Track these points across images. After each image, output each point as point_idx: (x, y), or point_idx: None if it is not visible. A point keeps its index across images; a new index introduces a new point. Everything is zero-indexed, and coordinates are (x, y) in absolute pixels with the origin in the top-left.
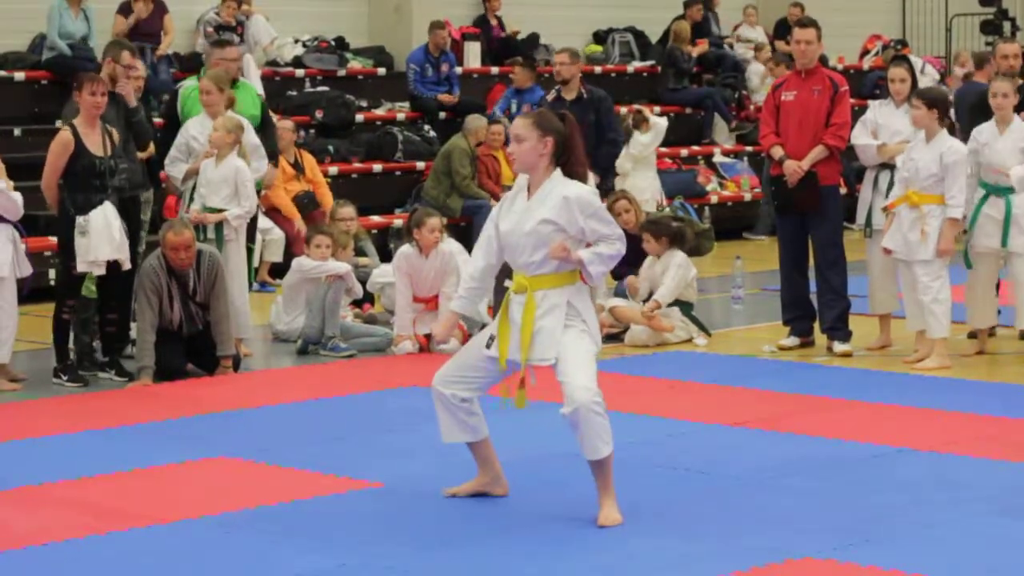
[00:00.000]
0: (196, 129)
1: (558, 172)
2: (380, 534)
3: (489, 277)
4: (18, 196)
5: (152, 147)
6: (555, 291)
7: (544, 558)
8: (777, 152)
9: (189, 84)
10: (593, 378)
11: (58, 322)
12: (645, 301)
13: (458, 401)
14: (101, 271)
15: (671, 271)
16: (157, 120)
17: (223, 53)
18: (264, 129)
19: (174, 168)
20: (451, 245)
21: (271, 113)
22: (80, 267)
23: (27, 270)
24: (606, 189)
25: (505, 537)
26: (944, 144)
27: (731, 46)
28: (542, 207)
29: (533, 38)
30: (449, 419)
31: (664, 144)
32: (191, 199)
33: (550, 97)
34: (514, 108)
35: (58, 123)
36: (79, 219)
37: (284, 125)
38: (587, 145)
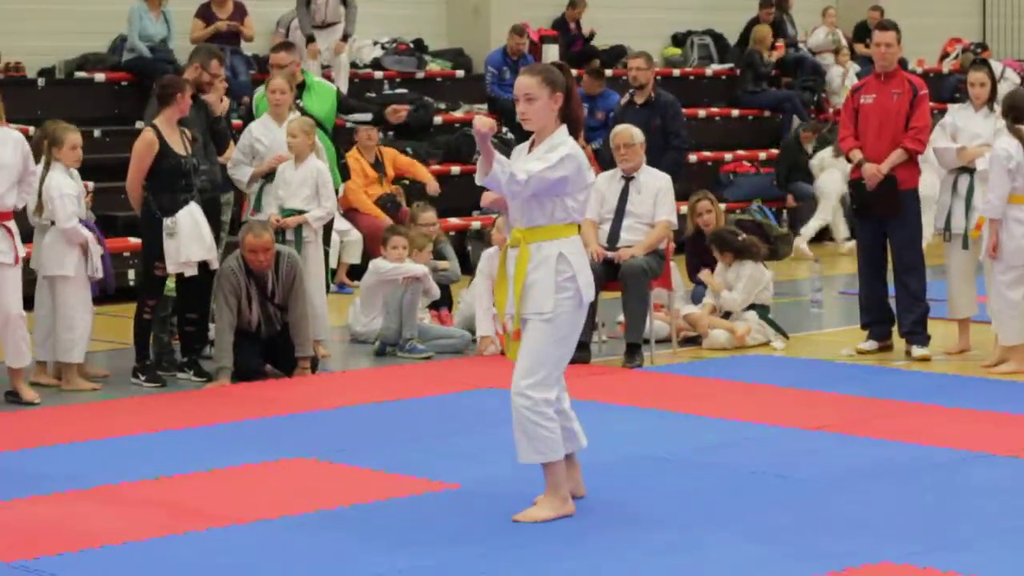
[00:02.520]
0: (259, 131)
1: (563, 128)
2: (456, 536)
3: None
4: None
5: (232, 149)
6: (548, 243)
7: (616, 559)
8: (856, 155)
9: (263, 88)
10: (539, 379)
11: (139, 322)
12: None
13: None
14: (193, 272)
15: (741, 282)
16: (236, 122)
17: (275, 58)
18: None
19: (237, 171)
20: None
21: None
22: (170, 268)
23: (98, 271)
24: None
25: (581, 539)
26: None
27: (810, 50)
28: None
29: (617, 50)
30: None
31: (743, 147)
32: (257, 201)
33: (623, 101)
34: (584, 113)
35: (139, 124)
36: (167, 221)
37: (364, 125)
38: (653, 149)
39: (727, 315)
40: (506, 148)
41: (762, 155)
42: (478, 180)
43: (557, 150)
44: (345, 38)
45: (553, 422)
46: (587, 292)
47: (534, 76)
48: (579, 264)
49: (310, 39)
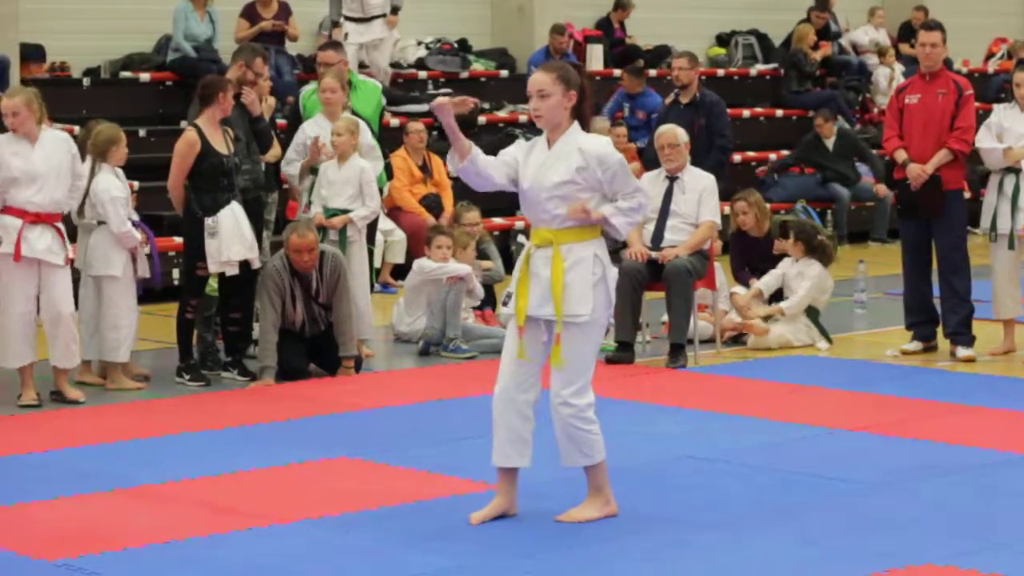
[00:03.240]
0: (313, 130)
1: (576, 125)
2: (498, 535)
3: (491, 168)
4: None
5: (279, 149)
6: (580, 244)
7: (660, 560)
8: (901, 156)
9: (309, 87)
10: (580, 385)
11: (181, 321)
12: (773, 298)
13: (528, 408)
14: (234, 271)
15: (807, 283)
16: (280, 122)
17: (323, 56)
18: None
19: (291, 168)
20: None
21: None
22: (211, 268)
23: (145, 271)
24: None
25: (623, 539)
26: None
27: (854, 48)
28: (561, 162)
29: (661, 50)
30: (509, 437)
31: (787, 147)
32: (309, 200)
33: (668, 100)
34: (626, 112)
35: (183, 124)
36: (208, 220)
37: (415, 127)
38: (697, 149)
39: (771, 302)
40: None
41: None
42: (453, 168)
43: (611, 159)
44: (395, 11)
45: (595, 424)
46: (614, 294)
47: (548, 73)
48: (608, 264)
49: (335, 23)
